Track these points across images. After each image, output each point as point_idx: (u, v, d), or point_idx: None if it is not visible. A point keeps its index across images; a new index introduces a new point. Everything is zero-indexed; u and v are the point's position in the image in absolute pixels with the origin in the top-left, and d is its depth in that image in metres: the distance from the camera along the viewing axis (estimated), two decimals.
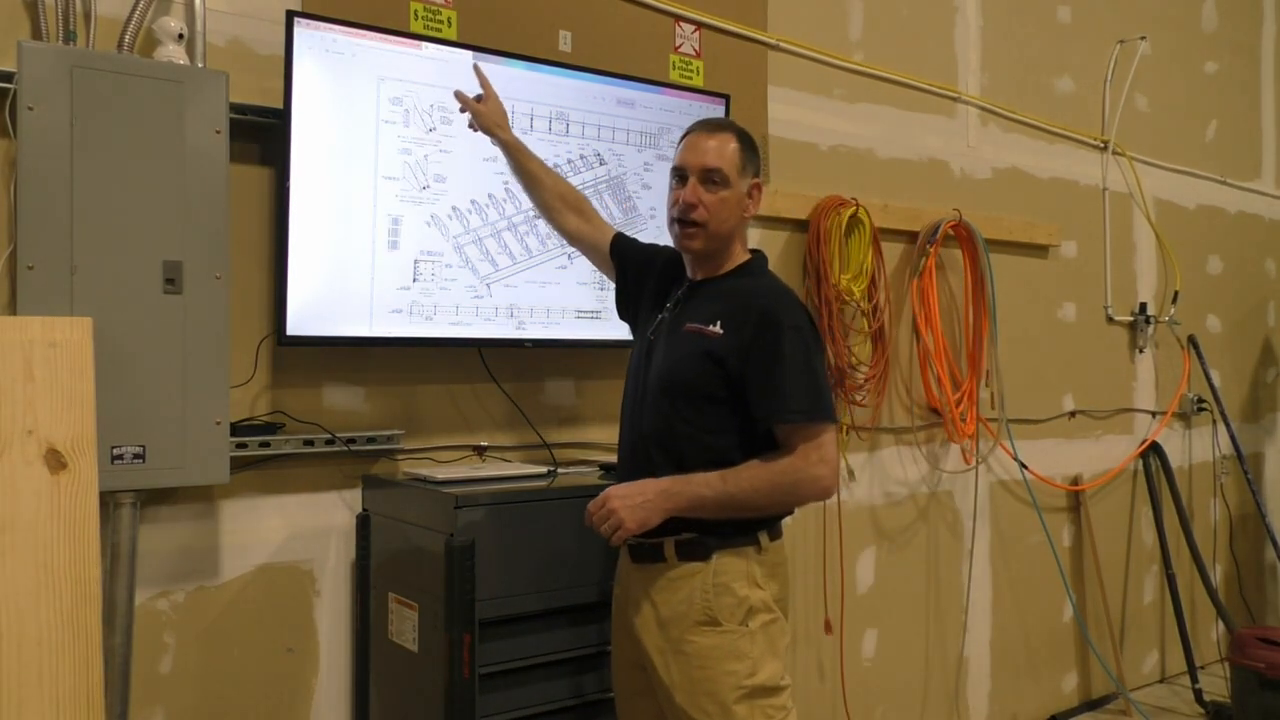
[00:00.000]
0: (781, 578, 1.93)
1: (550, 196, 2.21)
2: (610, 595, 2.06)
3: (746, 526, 1.88)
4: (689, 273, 2.02)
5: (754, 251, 2.02)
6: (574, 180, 2.45)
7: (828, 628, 3.15)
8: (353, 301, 2.20)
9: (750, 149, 1.96)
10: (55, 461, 1.67)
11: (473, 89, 2.23)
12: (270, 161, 2.20)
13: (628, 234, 2.25)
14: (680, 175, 1.94)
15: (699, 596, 1.85)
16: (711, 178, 1.90)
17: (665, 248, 2.14)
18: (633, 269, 2.16)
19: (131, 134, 1.88)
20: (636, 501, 1.81)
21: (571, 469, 2.45)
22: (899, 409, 3.39)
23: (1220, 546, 4.59)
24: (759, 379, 1.82)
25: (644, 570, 1.91)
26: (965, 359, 3.52)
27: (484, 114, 2.19)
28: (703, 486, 1.81)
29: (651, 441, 1.90)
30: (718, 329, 1.86)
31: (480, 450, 2.47)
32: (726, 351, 1.84)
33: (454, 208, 2.30)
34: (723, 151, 1.91)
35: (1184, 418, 4.46)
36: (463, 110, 2.21)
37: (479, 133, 2.20)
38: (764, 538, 1.90)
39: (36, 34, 1.95)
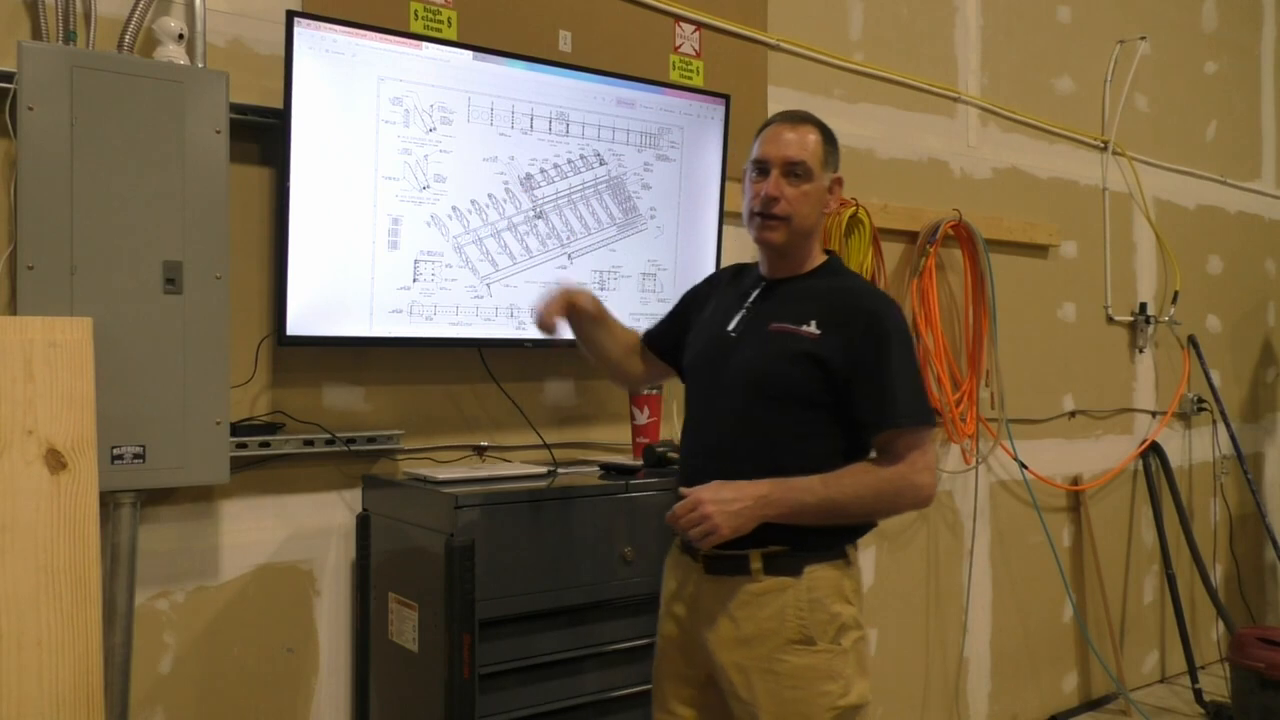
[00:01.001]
0: (862, 591, 1.86)
1: (622, 351, 2.08)
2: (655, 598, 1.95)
3: (835, 538, 1.79)
4: (764, 270, 1.93)
5: (828, 251, 1.95)
6: (574, 180, 2.45)
7: None
8: (353, 301, 2.20)
9: (831, 142, 1.88)
10: (55, 461, 1.68)
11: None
12: (270, 161, 2.20)
13: (650, 325, 2.14)
14: (761, 168, 1.84)
15: (792, 613, 1.75)
16: (794, 170, 1.81)
17: (701, 284, 2.08)
18: (678, 332, 2.04)
19: (131, 134, 1.88)
20: (734, 508, 1.70)
21: (571, 469, 2.45)
22: None
23: (1220, 546, 4.58)
24: (867, 384, 1.74)
25: (721, 583, 1.79)
26: (965, 359, 3.52)
27: (581, 303, 1.96)
28: (804, 493, 1.71)
29: (739, 443, 1.80)
30: (813, 329, 1.77)
31: (480, 450, 2.47)
32: (830, 353, 1.75)
33: (454, 208, 2.30)
34: (805, 143, 1.82)
35: (1184, 418, 4.46)
36: (546, 327, 1.91)
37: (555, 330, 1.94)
38: (850, 550, 1.82)
39: (36, 34, 1.95)
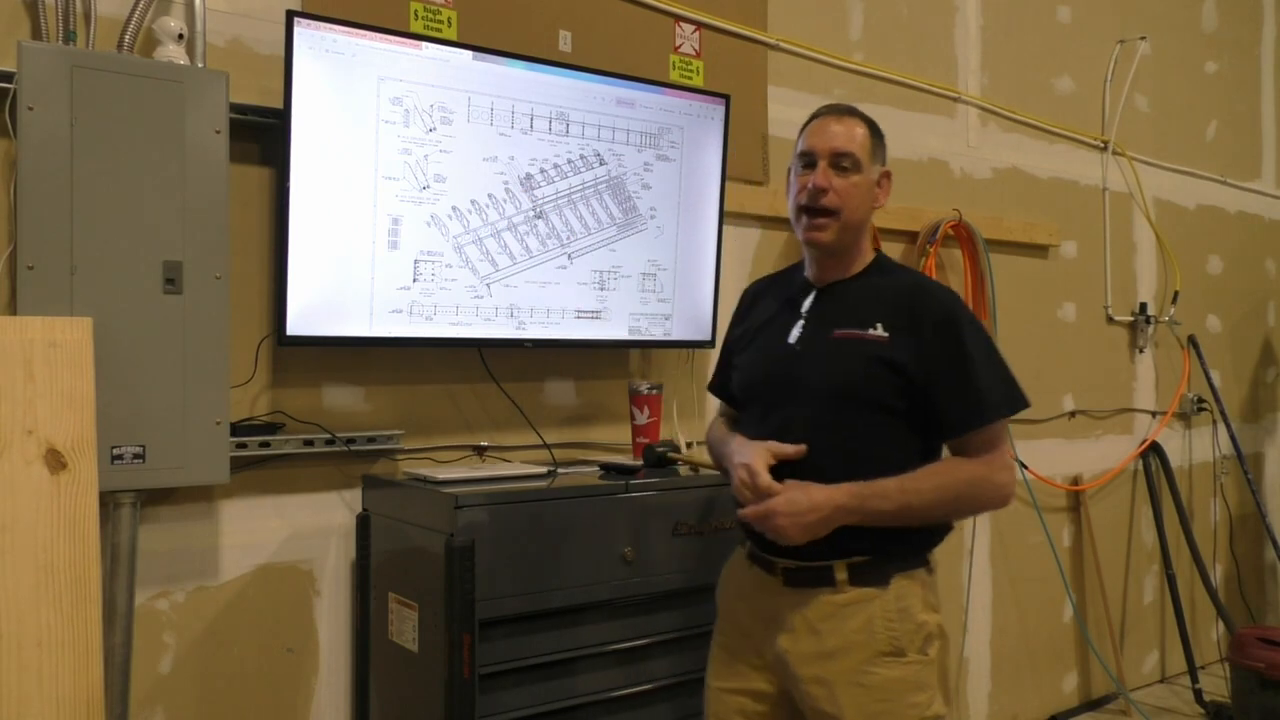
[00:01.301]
0: (940, 596, 1.81)
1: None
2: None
3: (919, 545, 1.75)
4: (811, 275, 1.86)
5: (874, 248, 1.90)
6: (574, 180, 2.45)
7: None
8: (353, 301, 2.20)
9: (878, 135, 1.83)
10: (55, 461, 1.68)
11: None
12: (270, 161, 2.20)
13: (718, 384, 2.09)
14: (807, 160, 1.79)
15: (880, 624, 1.70)
16: (841, 162, 1.76)
17: (734, 317, 2.03)
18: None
19: (131, 134, 1.88)
20: (808, 520, 1.65)
21: (571, 469, 2.45)
22: None
23: (1220, 546, 4.58)
24: (950, 384, 1.69)
25: (801, 595, 1.74)
26: None
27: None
28: (881, 500, 1.65)
29: (814, 454, 1.72)
30: (881, 333, 1.72)
31: (480, 450, 2.47)
32: (904, 357, 1.70)
33: (454, 208, 2.30)
34: (852, 135, 1.77)
35: (1184, 418, 4.46)
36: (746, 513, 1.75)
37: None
38: (931, 557, 1.79)
39: (36, 34, 1.95)
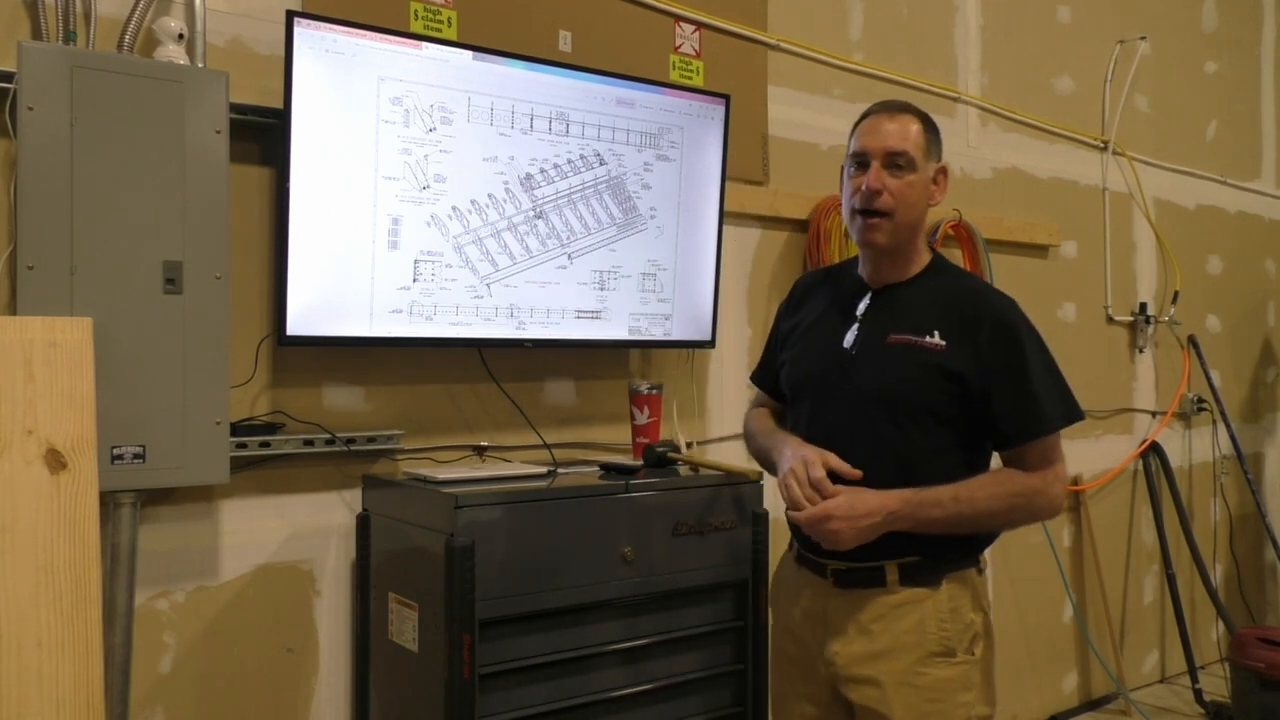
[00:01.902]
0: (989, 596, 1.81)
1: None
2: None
3: (970, 546, 1.75)
4: (866, 275, 1.84)
5: (931, 249, 1.87)
6: (574, 180, 2.45)
7: None
8: (353, 301, 2.20)
9: (933, 131, 1.79)
10: (55, 461, 1.67)
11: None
12: (270, 161, 2.20)
13: (756, 372, 2.09)
14: (860, 161, 1.75)
15: (933, 625, 1.70)
16: (896, 161, 1.72)
17: (781, 309, 2.02)
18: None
19: (131, 134, 1.88)
20: (862, 524, 1.64)
21: (571, 469, 2.45)
22: None
23: (1220, 546, 4.59)
24: (1008, 395, 1.68)
25: (852, 596, 1.74)
26: None
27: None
28: (934, 508, 1.65)
29: (869, 462, 1.70)
30: (937, 340, 1.70)
31: (480, 450, 2.47)
32: (962, 366, 1.68)
33: (454, 208, 2.30)
34: (906, 133, 1.73)
35: (1184, 418, 4.46)
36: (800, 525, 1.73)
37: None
38: (982, 558, 1.79)
39: (36, 34, 1.95)
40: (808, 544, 1.80)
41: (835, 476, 1.70)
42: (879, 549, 1.69)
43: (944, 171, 1.81)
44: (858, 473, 1.70)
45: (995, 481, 1.69)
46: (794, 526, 1.78)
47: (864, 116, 1.81)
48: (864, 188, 1.73)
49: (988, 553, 1.86)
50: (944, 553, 1.72)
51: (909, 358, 1.72)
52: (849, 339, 1.80)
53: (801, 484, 1.69)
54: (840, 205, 1.88)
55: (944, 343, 1.70)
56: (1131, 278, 4.24)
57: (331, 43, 2.12)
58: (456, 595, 1.92)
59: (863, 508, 1.65)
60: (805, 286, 2.00)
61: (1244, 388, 4.80)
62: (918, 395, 1.70)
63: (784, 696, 1.89)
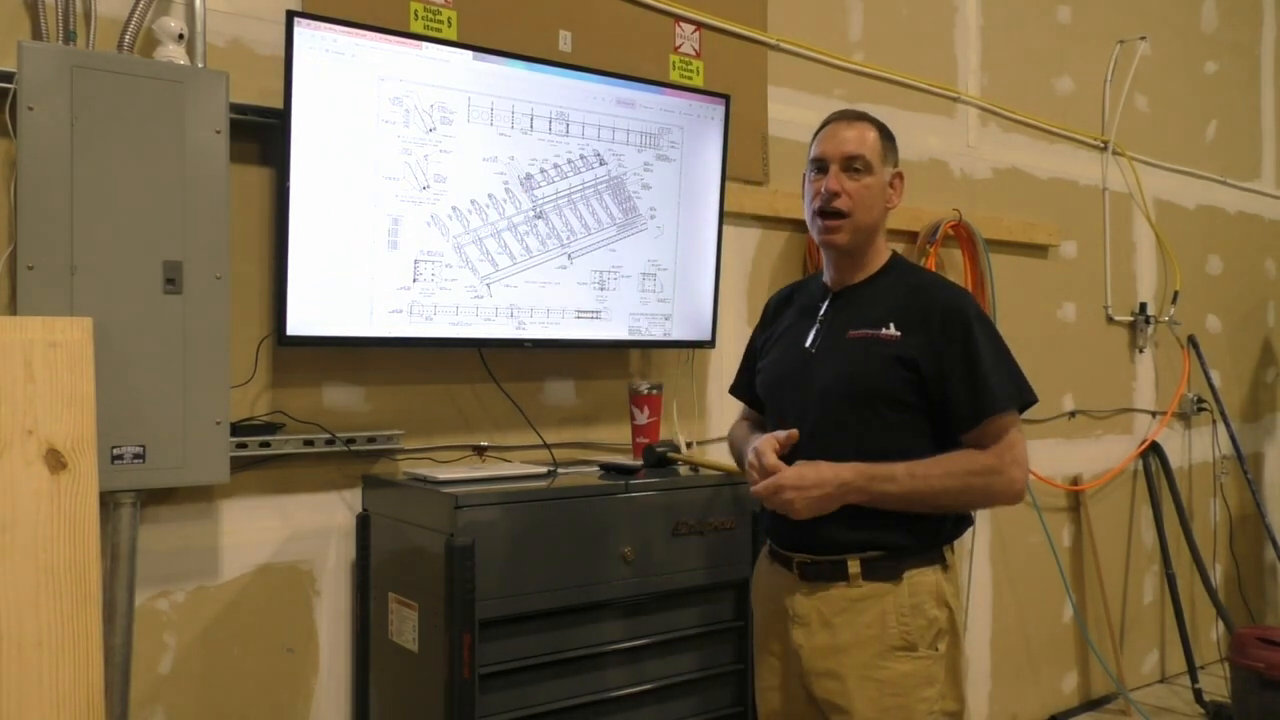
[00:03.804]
0: (961, 592, 1.83)
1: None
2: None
3: (934, 540, 1.78)
4: (829, 280, 1.93)
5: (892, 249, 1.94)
6: (574, 180, 2.45)
7: None
8: (353, 301, 2.20)
9: (889, 138, 1.89)
10: (55, 461, 1.67)
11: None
12: (270, 161, 2.20)
13: (739, 386, 2.15)
14: (820, 166, 1.85)
15: (893, 620, 1.74)
16: (853, 165, 1.82)
17: (757, 327, 2.10)
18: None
19: (131, 134, 1.88)
20: (813, 494, 1.70)
21: (571, 469, 2.45)
22: None
23: (1220, 546, 4.59)
24: (959, 379, 1.73)
25: (816, 589, 1.79)
26: None
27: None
28: (888, 482, 1.70)
29: (830, 451, 1.76)
30: (893, 331, 1.77)
31: (480, 450, 2.47)
32: (916, 354, 1.74)
33: (454, 208, 2.30)
34: (863, 139, 1.83)
35: (1184, 418, 4.46)
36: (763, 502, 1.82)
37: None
38: (948, 552, 1.81)
39: (36, 34, 1.95)
40: (778, 538, 1.88)
41: (801, 459, 1.77)
42: (842, 543, 1.75)
43: (900, 176, 1.90)
44: (792, 432, 1.81)
45: (951, 460, 1.73)
46: (766, 524, 1.86)
47: (823, 125, 1.91)
48: (823, 190, 1.82)
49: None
50: (906, 547, 1.76)
51: (867, 350, 1.79)
52: (810, 339, 1.88)
53: (755, 467, 1.79)
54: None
55: (899, 333, 1.77)
56: (1131, 278, 4.24)
57: (331, 43, 2.12)
58: (456, 595, 1.92)
59: (813, 477, 1.71)
60: (776, 303, 2.09)
61: (1244, 388, 4.80)
62: (876, 384, 1.77)
63: (764, 690, 1.93)
